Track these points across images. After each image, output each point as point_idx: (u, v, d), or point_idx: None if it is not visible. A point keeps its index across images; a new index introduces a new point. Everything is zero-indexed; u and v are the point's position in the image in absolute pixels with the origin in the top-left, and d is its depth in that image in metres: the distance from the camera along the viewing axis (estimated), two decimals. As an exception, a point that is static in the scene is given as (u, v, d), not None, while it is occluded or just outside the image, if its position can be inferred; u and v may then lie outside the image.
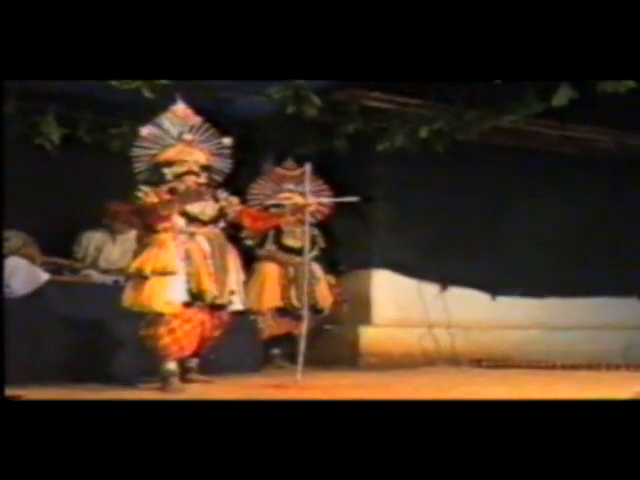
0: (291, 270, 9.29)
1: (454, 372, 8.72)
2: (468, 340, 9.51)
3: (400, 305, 9.24)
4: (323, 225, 9.32)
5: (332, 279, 9.42)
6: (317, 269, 9.31)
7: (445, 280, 9.30)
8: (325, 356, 8.91)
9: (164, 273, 6.58)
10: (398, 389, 7.14)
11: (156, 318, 6.67)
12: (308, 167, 7.64)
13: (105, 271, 8.56)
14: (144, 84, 7.31)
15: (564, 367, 8.54)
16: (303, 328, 8.46)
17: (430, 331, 9.33)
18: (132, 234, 8.31)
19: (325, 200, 8.85)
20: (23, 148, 8.03)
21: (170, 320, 6.65)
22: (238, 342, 8.55)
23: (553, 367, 8.58)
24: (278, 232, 9.33)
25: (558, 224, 9.69)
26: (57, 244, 8.31)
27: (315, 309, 9.05)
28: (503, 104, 8.22)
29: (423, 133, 8.69)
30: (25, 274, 7.65)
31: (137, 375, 7.24)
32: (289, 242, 9.36)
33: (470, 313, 9.59)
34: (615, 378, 6.94)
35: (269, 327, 9.15)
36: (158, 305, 6.58)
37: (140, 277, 6.62)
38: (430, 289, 9.51)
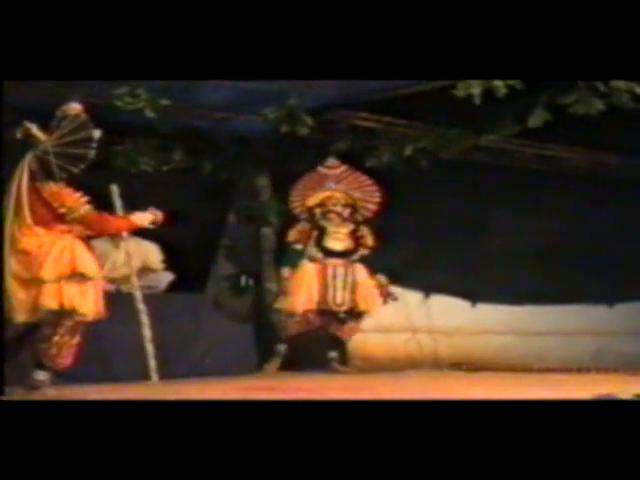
0: (330, 272, 8.94)
1: (436, 375, 8.70)
2: (450, 345, 9.55)
3: (386, 312, 9.15)
4: (372, 222, 9.07)
5: (383, 278, 9.00)
6: (360, 270, 8.96)
7: (428, 288, 9.34)
8: (318, 359, 8.92)
9: None
10: (383, 390, 7.09)
11: None
12: None
13: (111, 280, 8.20)
14: (147, 104, 7.29)
15: (539, 370, 8.53)
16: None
17: (414, 336, 9.30)
18: (133, 239, 8.27)
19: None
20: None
21: None
22: (234, 346, 8.64)
23: (529, 370, 8.55)
24: (320, 234, 9.05)
25: (533, 236, 9.70)
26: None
27: (354, 312, 8.88)
28: (482, 124, 8.28)
29: (408, 151, 8.72)
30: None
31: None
32: (330, 244, 9.02)
33: (451, 320, 9.64)
34: (586, 381, 6.96)
35: (296, 324, 8.86)
36: None
37: None
38: (414, 297, 9.52)
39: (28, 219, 6.36)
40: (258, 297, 9.80)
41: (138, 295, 7.63)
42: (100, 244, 8.32)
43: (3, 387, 3.34)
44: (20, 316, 6.32)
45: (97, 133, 6.45)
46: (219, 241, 9.78)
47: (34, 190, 6.39)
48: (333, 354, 8.95)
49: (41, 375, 6.42)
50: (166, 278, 8.69)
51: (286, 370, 8.82)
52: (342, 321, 8.87)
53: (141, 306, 7.57)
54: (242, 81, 7.54)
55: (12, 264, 6.32)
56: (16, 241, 6.35)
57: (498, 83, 6.71)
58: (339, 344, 9.01)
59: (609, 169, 9.86)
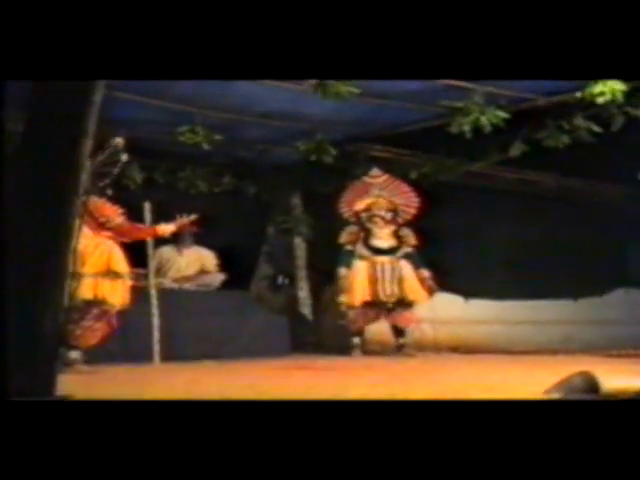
0: (378, 268, 8.68)
1: (436, 357, 8.74)
2: (447, 332, 9.54)
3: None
4: (415, 224, 8.82)
5: (425, 272, 8.67)
6: (405, 266, 8.68)
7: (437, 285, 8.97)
8: (340, 344, 8.82)
9: None
10: (394, 369, 7.14)
11: None
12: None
13: (175, 280, 8.48)
14: (203, 139, 7.41)
15: (519, 353, 8.50)
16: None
17: (418, 325, 9.13)
18: (194, 247, 8.44)
19: None
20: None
21: None
22: (273, 334, 8.79)
23: (511, 353, 8.53)
24: (367, 235, 8.80)
25: (514, 245, 9.73)
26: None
27: (404, 303, 8.65)
28: (473, 154, 8.40)
29: (413, 175, 8.86)
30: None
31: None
32: (375, 243, 8.78)
33: (449, 312, 9.59)
34: (555, 361, 6.99)
35: (356, 322, 8.67)
36: None
37: None
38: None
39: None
40: (291, 294, 9.85)
41: (153, 292, 7.66)
42: (167, 251, 8.54)
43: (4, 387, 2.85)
44: None
45: (125, 157, 6.62)
46: (260, 248, 9.84)
47: (81, 204, 6.62)
48: (402, 340, 8.69)
49: (73, 354, 6.54)
50: (219, 278, 8.73)
51: (318, 354, 8.79)
52: (392, 311, 8.66)
53: (154, 301, 7.62)
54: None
55: None
56: None
57: (484, 121, 6.89)
58: (402, 333, 8.74)
59: (575, 191, 9.94)
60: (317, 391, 5.05)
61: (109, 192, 6.58)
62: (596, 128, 7.02)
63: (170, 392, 5.01)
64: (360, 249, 8.82)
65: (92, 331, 6.61)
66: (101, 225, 6.70)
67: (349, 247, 8.84)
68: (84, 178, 2.60)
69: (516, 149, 7.66)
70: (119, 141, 6.47)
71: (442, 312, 9.53)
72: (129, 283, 6.88)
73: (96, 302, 6.59)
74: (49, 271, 2.55)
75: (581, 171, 9.17)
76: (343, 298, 8.72)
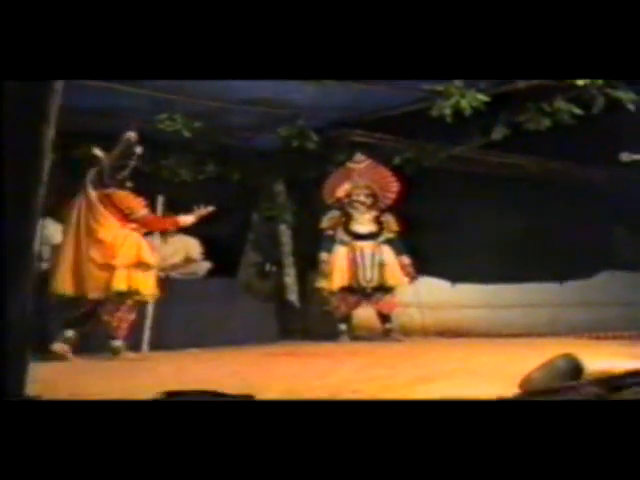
0: (358, 253, 8.69)
1: (423, 341, 8.72)
2: (434, 317, 9.51)
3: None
4: (398, 209, 8.85)
5: (406, 259, 8.70)
6: (387, 251, 8.71)
7: (417, 271, 9.00)
8: (327, 330, 8.83)
9: None
10: (380, 354, 7.19)
11: None
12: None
13: (161, 268, 8.12)
14: (182, 127, 7.45)
15: (506, 335, 8.55)
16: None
17: (405, 310, 9.21)
18: (179, 235, 8.42)
19: None
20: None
21: None
22: (260, 321, 8.78)
23: (498, 336, 8.56)
24: (347, 220, 8.84)
25: (498, 229, 9.68)
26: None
27: (384, 288, 8.66)
28: (454, 138, 8.35)
29: (396, 160, 8.80)
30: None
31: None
32: (355, 228, 8.82)
33: (436, 297, 9.58)
34: (542, 343, 7.01)
35: (338, 308, 8.71)
36: None
37: None
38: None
39: (102, 209, 6.67)
40: (279, 280, 9.80)
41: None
42: (153, 240, 8.58)
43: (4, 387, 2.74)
44: (93, 294, 6.59)
45: (139, 149, 6.80)
46: (246, 236, 9.82)
47: (106, 196, 6.72)
48: (389, 325, 8.71)
49: (117, 342, 6.68)
50: (205, 266, 8.75)
51: (305, 340, 8.83)
52: (372, 296, 8.69)
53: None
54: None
55: (90, 251, 6.57)
56: (94, 231, 6.63)
57: (465, 105, 6.85)
58: (388, 318, 8.74)
59: (558, 174, 9.91)
60: (302, 377, 5.07)
61: (128, 184, 6.81)
62: (577, 110, 6.98)
63: (158, 381, 5.05)
64: (340, 234, 8.86)
65: (127, 322, 6.73)
66: (126, 217, 6.78)
67: (330, 232, 8.87)
68: (47, 166, 2.53)
69: (498, 133, 7.60)
70: (132, 135, 6.72)
71: (429, 297, 9.52)
72: (157, 274, 7.05)
73: (130, 293, 6.69)
74: (14, 260, 2.49)
75: (563, 154, 9.13)
76: (323, 283, 8.77)
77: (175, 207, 7.45)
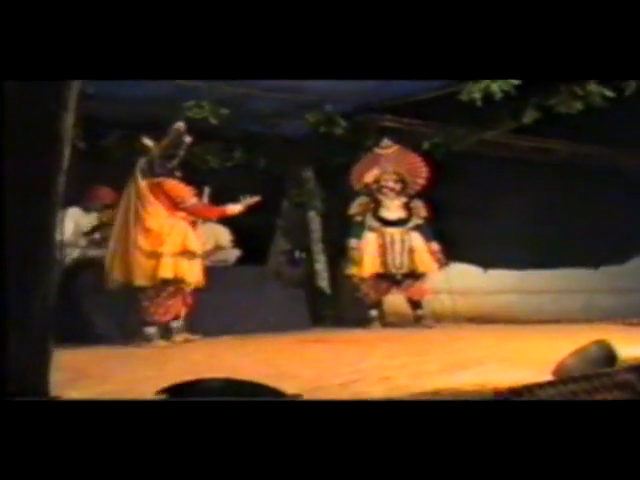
0: (388, 239, 8.63)
1: (455, 327, 8.67)
2: (466, 303, 9.48)
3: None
4: (428, 195, 8.77)
5: (435, 245, 8.62)
6: (416, 237, 8.63)
7: (448, 258, 8.95)
8: (358, 317, 8.80)
9: None
10: (410, 340, 7.14)
11: None
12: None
13: None
14: (210, 114, 7.43)
15: (537, 322, 8.49)
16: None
17: (436, 296, 9.19)
18: (208, 223, 8.42)
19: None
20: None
21: None
22: (291, 307, 8.76)
23: (528, 322, 8.50)
24: (376, 206, 8.76)
25: (530, 214, 9.60)
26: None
27: (414, 275, 8.61)
28: (484, 122, 8.28)
29: (425, 145, 8.75)
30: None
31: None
32: (384, 214, 8.74)
33: (467, 282, 9.57)
34: (574, 330, 6.94)
35: (368, 295, 8.67)
36: None
37: None
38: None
39: (151, 198, 6.74)
40: (309, 267, 9.81)
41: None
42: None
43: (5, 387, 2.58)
44: (139, 281, 6.67)
45: (188, 139, 6.88)
46: (276, 223, 9.83)
47: (157, 184, 6.80)
48: (420, 312, 8.66)
49: (150, 329, 6.73)
50: (234, 254, 8.76)
51: (337, 327, 8.78)
52: (402, 282, 8.63)
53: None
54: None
55: (138, 239, 6.66)
56: (142, 220, 6.71)
57: (495, 89, 6.79)
58: (419, 305, 8.71)
59: (588, 158, 9.79)
60: (332, 364, 5.04)
61: (178, 173, 6.90)
62: (609, 93, 6.89)
63: (189, 368, 5.06)
64: (370, 220, 8.78)
65: (165, 307, 6.79)
66: (175, 205, 6.86)
67: (359, 218, 8.81)
68: (67, 153, 2.49)
69: (528, 116, 7.56)
70: (181, 125, 6.80)
71: (460, 283, 9.50)
72: (203, 262, 7.15)
73: (176, 281, 6.78)
74: (34, 250, 2.46)
75: (595, 137, 9.02)
76: (353, 270, 8.71)
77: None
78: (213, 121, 7.49)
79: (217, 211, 7.32)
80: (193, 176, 7.38)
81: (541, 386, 3.31)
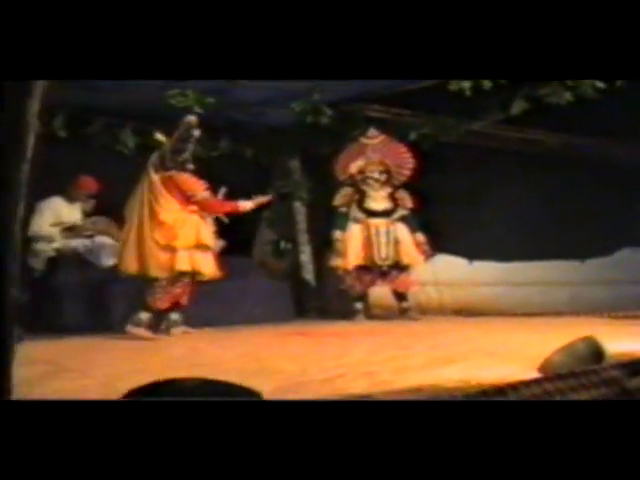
0: (373, 230, 8.52)
1: (441, 320, 8.61)
2: (451, 295, 9.45)
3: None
4: (414, 186, 8.68)
5: (421, 237, 8.55)
6: (402, 228, 8.54)
7: (434, 249, 8.91)
8: (343, 309, 8.78)
9: None
10: (398, 332, 7.09)
11: None
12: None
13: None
14: (194, 102, 7.37)
15: (523, 315, 8.45)
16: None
17: (422, 288, 9.16)
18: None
19: None
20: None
21: None
22: (276, 299, 8.69)
23: (515, 315, 8.48)
24: (361, 197, 8.64)
25: (517, 205, 9.49)
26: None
27: (400, 266, 8.53)
28: (473, 113, 8.23)
29: (412, 136, 8.67)
30: (109, 250, 7.74)
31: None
32: (370, 205, 8.63)
33: (453, 274, 9.51)
34: (560, 323, 6.93)
35: (353, 287, 8.61)
36: None
37: None
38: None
39: (164, 192, 6.77)
40: (294, 259, 9.79)
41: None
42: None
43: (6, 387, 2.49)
44: (154, 273, 6.70)
45: (197, 132, 6.87)
46: (261, 214, 9.65)
47: (168, 178, 6.82)
48: (406, 304, 8.58)
49: (143, 315, 6.71)
50: (218, 245, 8.66)
51: (321, 319, 8.78)
52: (387, 274, 8.56)
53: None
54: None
55: (153, 232, 6.69)
56: (156, 213, 6.73)
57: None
58: (404, 297, 8.62)
59: (578, 149, 9.68)
60: (316, 358, 5.00)
61: (190, 166, 6.91)
62: (600, 84, 6.83)
63: (171, 361, 5.09)
64: (354, 211, 8.67)
65: (169, 295, 6.81)
66: (187, 199, 6.88)
67: (343, 209, 8.72)
68: (31, 142, 2.40)
69: (517, 107, 7.52)
70: (192, 118, 6.80)
71: (446, 275, 9.46)
72: (216, 255, 7.18)
73: (193, 273, 6.88)
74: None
75: (585, 129, 8.96)
76: (338, 262, 8.63)
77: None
78: (198, 110, 7.40)
79: (229, 206, 7.31)
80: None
81: (527, 384, 3.27)
